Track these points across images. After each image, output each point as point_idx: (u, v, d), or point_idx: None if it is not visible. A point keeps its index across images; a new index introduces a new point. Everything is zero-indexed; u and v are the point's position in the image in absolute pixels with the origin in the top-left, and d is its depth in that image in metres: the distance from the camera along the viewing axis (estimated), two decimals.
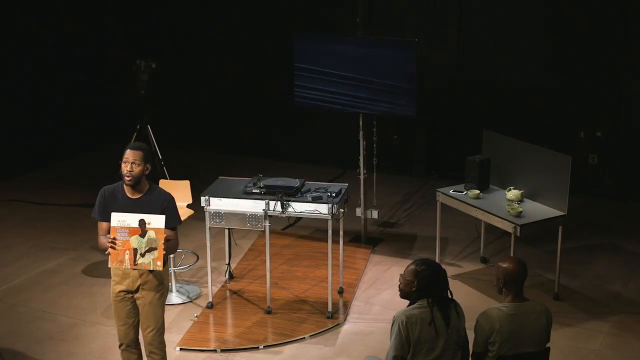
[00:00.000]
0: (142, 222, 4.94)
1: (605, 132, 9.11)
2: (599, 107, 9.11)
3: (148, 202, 5.09)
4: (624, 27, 8.84)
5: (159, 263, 4.94)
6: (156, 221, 4.93)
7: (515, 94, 9.44)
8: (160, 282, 5.19)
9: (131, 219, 4.95)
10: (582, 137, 9.19)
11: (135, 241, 4.95)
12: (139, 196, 5.12)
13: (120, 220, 4.97)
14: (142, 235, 4.94)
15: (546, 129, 9.20)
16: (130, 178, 5.06)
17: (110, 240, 4.97)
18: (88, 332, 6.53)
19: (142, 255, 4.94)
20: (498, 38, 9.42)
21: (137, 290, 5.17)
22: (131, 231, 4.94)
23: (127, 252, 4.95)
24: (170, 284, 7.04)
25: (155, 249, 4.93)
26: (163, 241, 4.92)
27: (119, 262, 4.98)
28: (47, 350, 6.27)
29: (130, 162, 5.06)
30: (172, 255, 6.92)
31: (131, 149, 5.11)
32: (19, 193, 9.60)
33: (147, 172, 5.11)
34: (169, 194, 5.22)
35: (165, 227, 5.04)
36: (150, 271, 5.08)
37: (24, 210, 9.16)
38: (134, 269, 5.03)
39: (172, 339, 6.33)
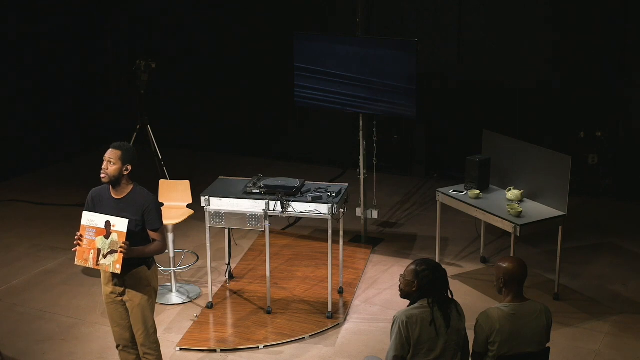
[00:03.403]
0: (107, 224, 4.96)
1: (605, 132, 9.12)
2: (599, 107, 9.11)
3: (130, 203, 5.08)
4: (624, 26, 8.84)
5: (118, 266, 4.94)
6: (120, 224, 4.93)
7: (515, 94, 9.44)
8: (147, 284, 5.19)
9: (99, 220, 4.98)
10: (582, 137, 9.20)
11: (99, 242, 4.98)
12: (122, 197, 5.11)
13: (90, 219, 5.01)
14: (107, 236, 4.96)
15: (546, 129, 9.20)
16: (104, 176, 5.06)
17: (77, 237, 5.00)
18: (88, 332, 6.53)
19: (105, 256, 4.97)
20: (498, 38, 9.42)
21: (124, 293, 5.18)
22: (98, 231, 4.98)
23: (92, 251, 4.99)
24: (170, 284, 7.05)
25: (117, 251, 4.94)
26: (122, 245, 4.90)
27: (84, 260, 5.03)
28: (47, 350, 6.27)
29: (106, 160, 5.06)
30: (171, 255, 6.93)
31: (111, 147, 5.11)
32: (19, 193, 9.61)
33: (126, 173, 5.07)
34: (152, 195, 5.19)
35: (147, 229, 5.07)
36: (124, 273, 5.06)
37: (24, 210, 9.16)
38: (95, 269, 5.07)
39: (172, 339, 6.34)
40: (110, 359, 6.08)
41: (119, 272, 4.97)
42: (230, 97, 10.88)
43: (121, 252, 4.91)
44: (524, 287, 4.64)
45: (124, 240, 4.91)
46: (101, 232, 4.97)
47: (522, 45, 9.33)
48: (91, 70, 11.10)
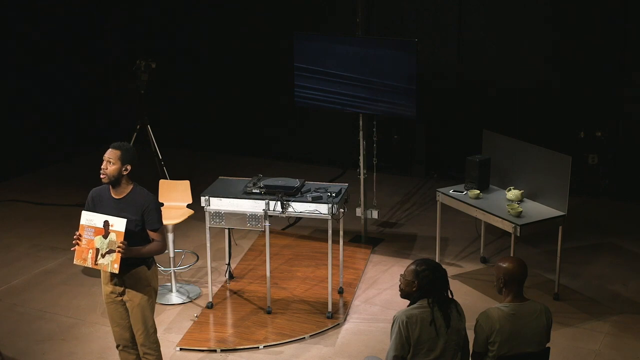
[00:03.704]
0: (106, 223, 4.97)
1: (605, 132, 9.12)
2: (599, 107, 9.11)
3: (130, 203, 5.08)
4: (624, 26, 8.84)
5: (116, 266, 4.95)
6: (118, 224, 4.94)
7: (515, 94, 9.44)
8: (147, 284, 5.18)
9: (97, 219, 4.99)
10: (582, 137, 9.20)
11: (98, 241, 4.99)
12: (122, 196, 5.11)
13: (88, 219, 5.02)
14: (105, 236, 4.97)
15: (546, 129, 9.20)
16: (104, 176, 5.07)
17: (75, 237, 5.01)
18: (88, 332, 6.53)
19: (103, 256, 4.97)
20: (498, 38, 9.42)
21: (124, 292, 5.18)
22: (96, 231, 4.99)
23: (91, 251, 5.00)
24: (170, 284, 7.05)
25: (115, 251, 4.94)
26: (120, 244, 4.90)
27: (82, 259, 5.04)
28: (47, 350, 6.27)
29: (105, 160, 5.07)
30: (171, 255, 6.93)
31: (111, 147, 5.11)
32: (19, 193, 9.61)
33: (125, 173, 5.07)
34: (152, 195, 5.19)
35: (147, 229, 5.08)
36: (124, 273, 5.08)
37: (24, 210, 9.16)
38: (94, 268, 5.08)
39: (172, 339, 6.34)
40: (110, 359, 6.08)
41: (117, 271, 4.97)
42: (230, 97, 10.88)
43: (119, 251, 4.91)
44: (524, 287, 4.64)
45: (122, 240, 4.91)
46: (100, 231, 4.98)
47: (522, 45, 9.33)
48: (91, 70, 11.10)
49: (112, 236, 4.94)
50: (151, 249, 5.11)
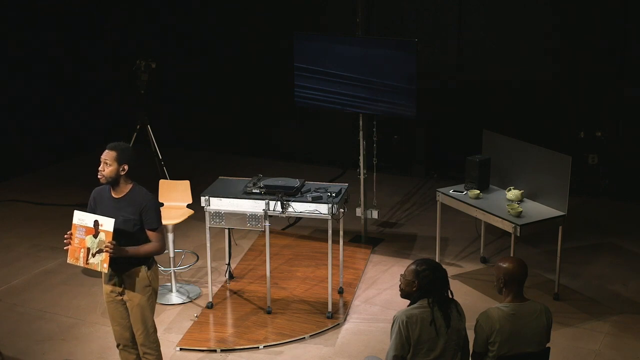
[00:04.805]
0: (96, 223, 4.97)
1: (605, 132, 9.11)
2: (599, 107, 9.12)
3: (128, 202, 5.08)
4: (624, 26, 8.84)
5: (105, 265, 4.95)
6: (106, 224, 4.94)
7: (515, 93, 9.44)
8: (147, 284, 5.18)
9: (88, 219, 5.00)
10: (582, 137, 9.20)
11: (89, 241, 4.99)
12: (121, 196, 5.11)
13: (80, 218, 5.03)
14: (95, 235, 4.97)
15: (546, 129, 9.20)
16: (101, 177, 5.08)
17: (67, 236, 5.02)
18: (88, 332, 6.53)
19: (93, 255, 4.98)
20: (498, 38, 9.42)
21: (124, 292, 5.19)
22: (87, 230, 5.00)
23: (82, 250, 5.01)
24: (170, 284, 7.05)
25: (104, 251, 4.96)
26: (108, 244, 4.90)
27: (75, 259, 5.05)
28: (47, 350, 6.28)
29: (102, 161, 5.07)
30: (171, 255, 6.93)
31: (107, 148, 5.11)
32: (19, 193, 9.61)
33: (123, 173, 5.07)
34: (150, 195, 5.18)
35: (146, 228, 5.08)
36: (123, 273, 5.11)
37: (24, 210, 9.16)
38: (85, 267, 5.09)
39: (172, 339, 6.34)
40: (110, 359, 6.08)
41: (106, 271, 4.99)
42: (230, 97, 10.88)
43: (107, 251, 4.92)
44: (524, 287, 4.64)
45: (111, 239, 4.91)
46: (90, 231, 4.98)
47: (522, 45, 9.33)
48: (91, 70, 11.10)
49: (101, 236, 4.95)
50: (148, 249, 5.10)
